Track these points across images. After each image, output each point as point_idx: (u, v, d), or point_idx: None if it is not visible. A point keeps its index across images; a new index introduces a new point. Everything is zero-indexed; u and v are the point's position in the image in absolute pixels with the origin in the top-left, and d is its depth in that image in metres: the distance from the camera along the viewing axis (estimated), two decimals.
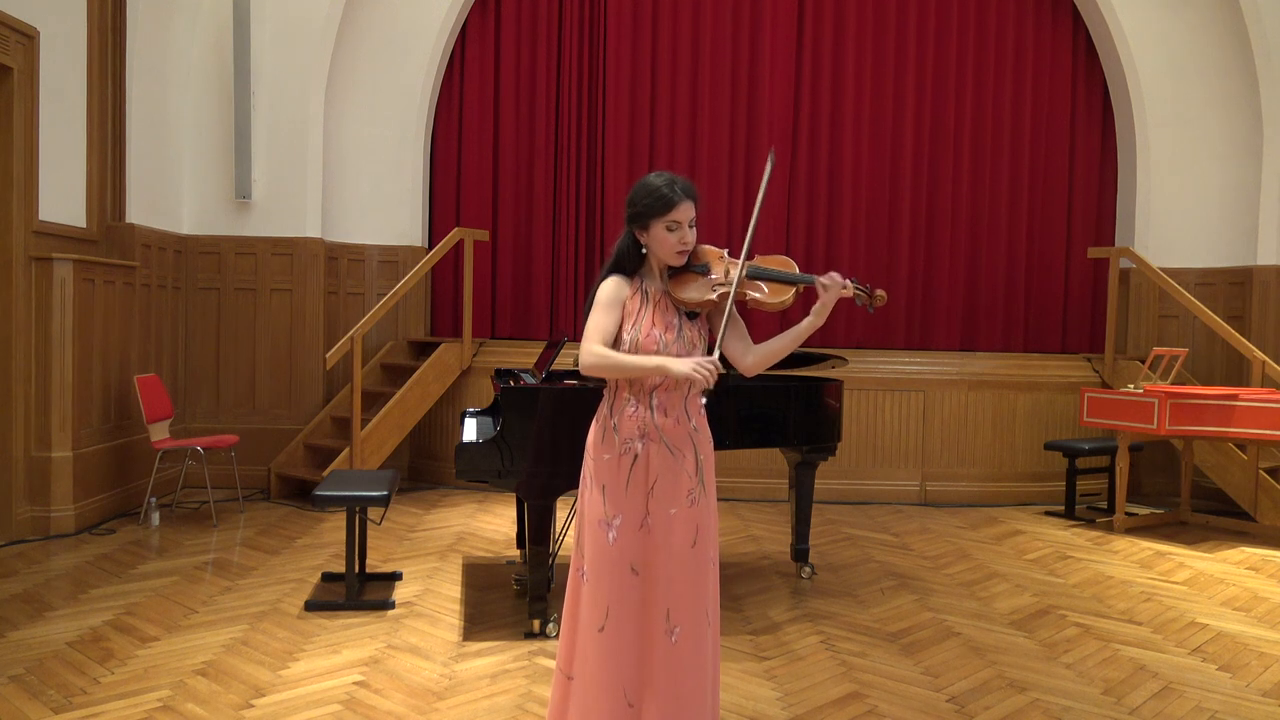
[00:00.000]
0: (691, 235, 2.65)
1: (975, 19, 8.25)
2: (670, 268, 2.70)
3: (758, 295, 2.70)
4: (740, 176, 8.27)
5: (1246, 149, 7.71)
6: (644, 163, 8.20)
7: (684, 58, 8.19)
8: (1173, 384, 6.58)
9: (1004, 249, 8.33)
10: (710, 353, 2.65)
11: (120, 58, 6.53)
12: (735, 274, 2.65)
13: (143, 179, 6.76)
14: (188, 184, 7.44)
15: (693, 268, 2.69)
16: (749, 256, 2.70)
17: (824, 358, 5.01)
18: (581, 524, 2.71)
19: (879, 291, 2.78)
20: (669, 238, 2.63)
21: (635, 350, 2.63)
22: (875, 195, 8.27)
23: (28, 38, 5.65)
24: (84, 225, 6.28)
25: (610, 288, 2.67)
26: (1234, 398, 6.05)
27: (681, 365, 2.53)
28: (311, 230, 7.54)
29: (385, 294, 7.46)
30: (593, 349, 2.60)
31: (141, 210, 6.76)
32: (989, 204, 8.32)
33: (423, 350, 7.82)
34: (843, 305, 8.22)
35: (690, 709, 2.62)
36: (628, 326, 2.65)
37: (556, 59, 8.23)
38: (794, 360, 5.01)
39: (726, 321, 2.65)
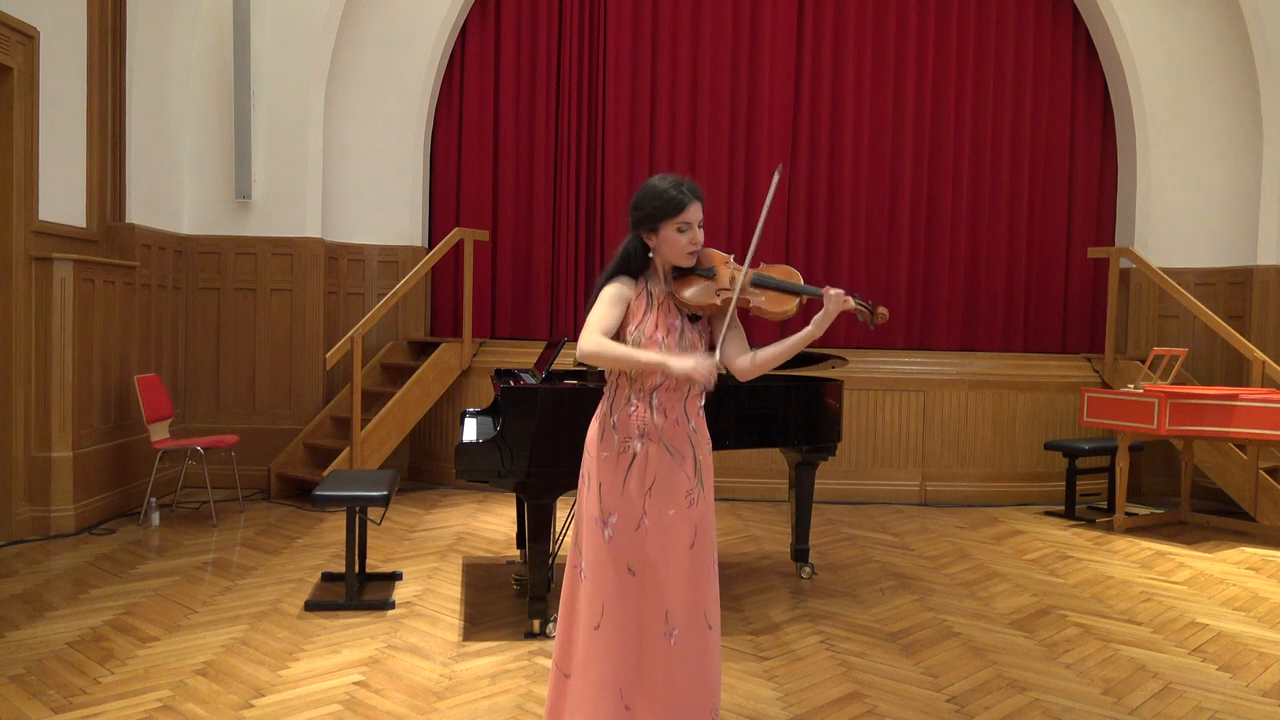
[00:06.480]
0: (700, 235, 2.68)
1: (975, 19, 8.25)
2: (675, 270, 2.72)
3: (761, 303, 2.71)
4: (740, 177, 8.27)
5: (1246, 149, 7.71)
6: (644, 163, 8.20)
7: (684, 58, 8.19)
8: (1173, 384, 6.58)
9: (1004, 249, 8.33)
10: (710, 354, 2.66)
11: (120, 58, 6.52)
12: (740, 279, 2.67)
13: (143, 179, 6.76)
14: (188, 184, 7.44)
15: (698, 271, 2.71)
16: (754, 264, 2.72)
17: (824, 358, 5.00)
18: (580, 521, 2.72)
19: (881, 309, 2.77)
20: (679, 239, 2.66)
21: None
22: (875, 195, 8.26)
23: (28, 38, 5.64)
24: (84, 225, 6.28)
25: (616, 287, 2.68)
26: (1234, 398, 6.05)
27: (681, 364, 2.54)
28: (311, 230, 7.54)
29: (385, 294, 7.46)
30: (594, 337, 2.59)
31: (141, 210, 6.75)
32: (989, 204, 8.32)
33: (423, 350, 7.82)
34: None
35: (686, 711, 2.62)
36: (631, 326, 2.67)
37: (556, 59, 8.23)
38: (794, 360, 4.99)
39: (728, 325, 2.67)
